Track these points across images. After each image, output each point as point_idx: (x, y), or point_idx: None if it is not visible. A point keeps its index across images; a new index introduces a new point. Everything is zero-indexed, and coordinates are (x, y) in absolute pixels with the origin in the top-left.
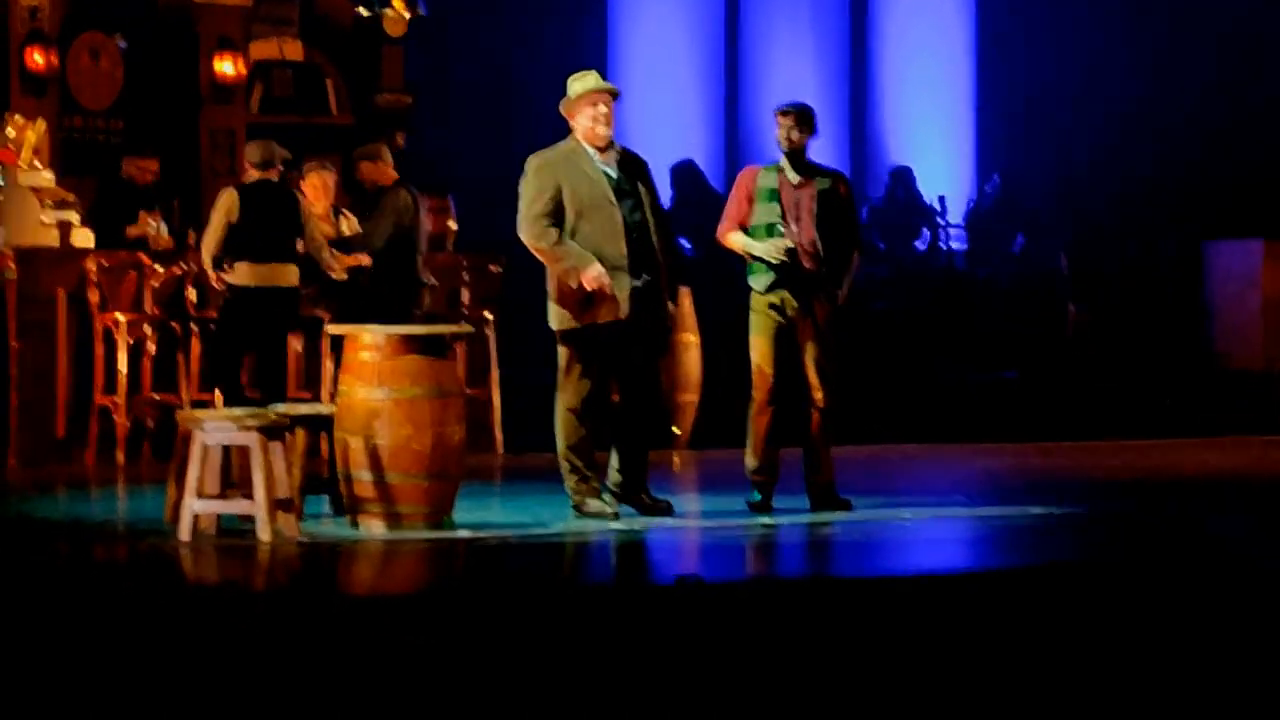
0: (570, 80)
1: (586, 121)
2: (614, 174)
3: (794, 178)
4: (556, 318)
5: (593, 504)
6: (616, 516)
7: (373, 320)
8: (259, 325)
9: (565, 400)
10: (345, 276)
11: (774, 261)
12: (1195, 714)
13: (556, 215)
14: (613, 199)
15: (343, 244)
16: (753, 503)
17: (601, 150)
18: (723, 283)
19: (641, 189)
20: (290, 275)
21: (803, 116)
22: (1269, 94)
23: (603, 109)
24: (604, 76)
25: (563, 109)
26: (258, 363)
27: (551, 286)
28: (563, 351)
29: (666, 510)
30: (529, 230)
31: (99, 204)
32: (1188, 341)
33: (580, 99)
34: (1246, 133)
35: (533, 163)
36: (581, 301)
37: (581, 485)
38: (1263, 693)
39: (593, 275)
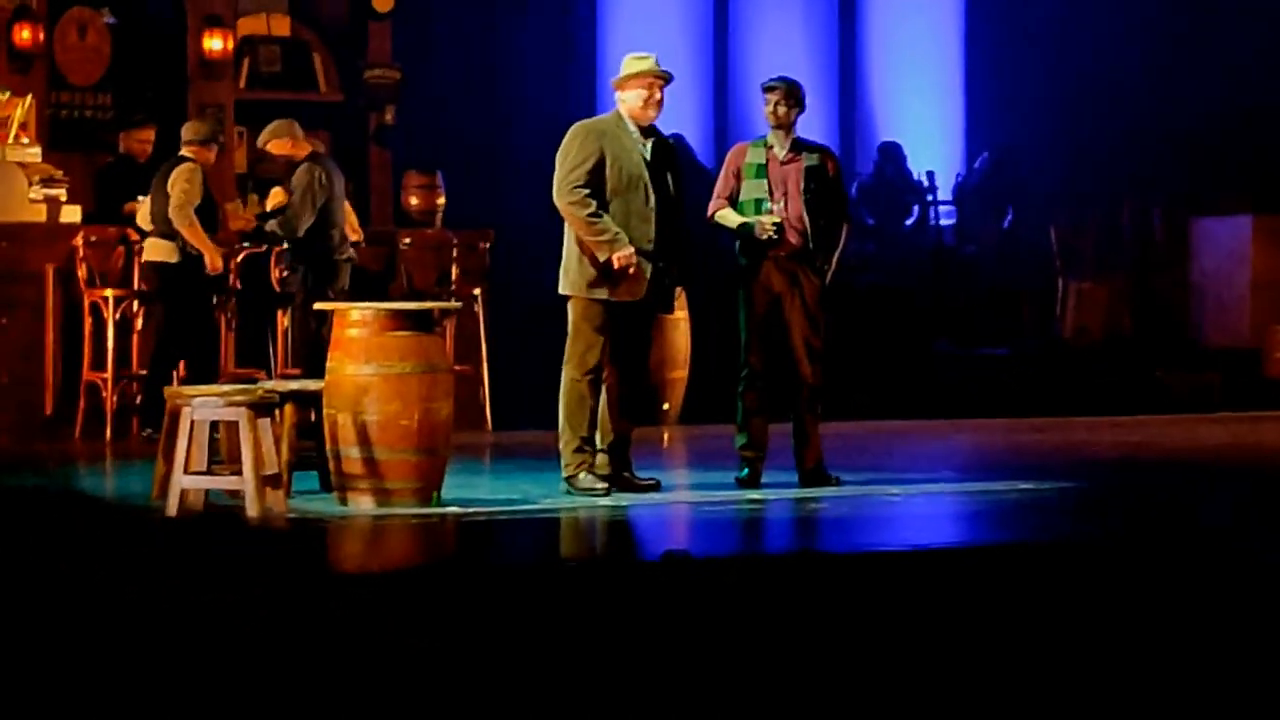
0: (629, 58)
1: (638, 101)
2: (649, 156)
3: (781, 153)
4: (573, 284)
5: (585, 478)
6: (608, 493)
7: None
8: (207, 296)
9: (573, 368)
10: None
11: (761, 238)
12: (1184, 690)
13: (595, 185)
14: (648, 180)
15: (265, 217)
16: (741, 479)
17: (643, 131)
18: (711, 259)
19: (670, 175)
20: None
21: (789, 92)
22: (1257, 68)
23: (657, 93)
24: (593, 52)
25: (614, 82)
26: (207, 335)
27: (573, 253)
28: (575, 319)
29: (654, 488)
30: (568, 195)
31: (102, 180)
32: (1176, 318)
33: (637, 77)
34: (1236, 109)
35: (579, 129)
36: (603, 274)
37: (577, 456)
38: (1250, 669)
39: (625, 254)
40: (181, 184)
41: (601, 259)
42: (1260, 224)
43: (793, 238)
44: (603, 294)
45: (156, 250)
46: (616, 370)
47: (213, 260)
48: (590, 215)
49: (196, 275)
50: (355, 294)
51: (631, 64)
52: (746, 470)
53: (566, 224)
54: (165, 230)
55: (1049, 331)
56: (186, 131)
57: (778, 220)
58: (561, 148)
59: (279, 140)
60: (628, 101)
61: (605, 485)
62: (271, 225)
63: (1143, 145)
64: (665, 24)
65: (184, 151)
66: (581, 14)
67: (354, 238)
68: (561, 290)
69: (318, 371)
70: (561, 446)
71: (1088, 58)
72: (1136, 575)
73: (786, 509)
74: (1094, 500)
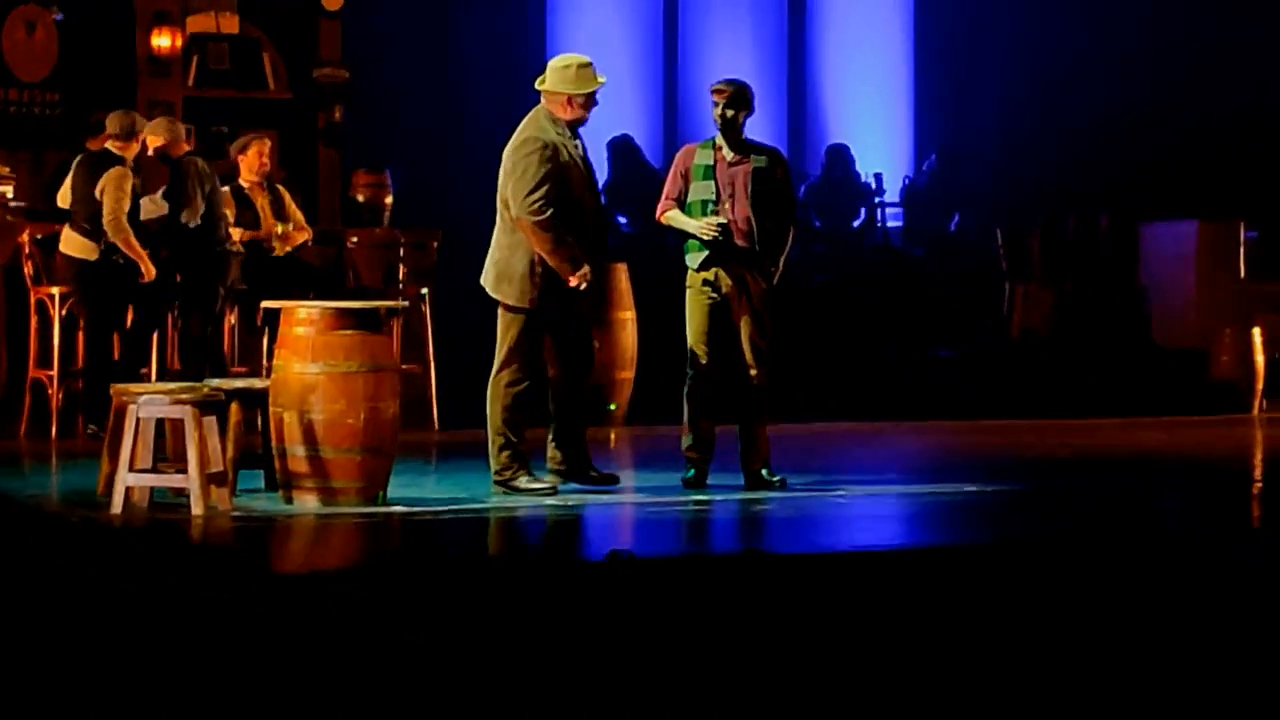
0: (582, 69)
1: (582, 111)
2: (582, 158)
3: (730, 155)
4: (517, 295)
5: (524, 480)
6: (555, 492)
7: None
8: (127, 295)
9: (510, 375)
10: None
11: (706, 238)
12: (1126, 690)
13: (552, 198)
14: (589, 186)
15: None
16: (687, 479)
17: (571, 129)
18: (659, 259)
19: (592, 170)
20: None
21: (736, 95)
22: (1204, 75)
23: (595, 98)
24: (542, 52)
25: (554, 86)
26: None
27: (518, 264)
28: (513, 327)
29: (613, 481)
30: (537, 212)
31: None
32: (1124, 321)
33: (590, 94)
34: (1181, 114)
35: (533, 143)
36: (548, 287)
37: (514, 461)
38: (1198, 667)
39: (585, 272)
40: (113, 191)
41: (563, 276)
42: (1205, 229)
43: (739, 239)
44: (547, 305)
45: (76, 246)
46: (561, 368)
47: (148, 270)
48: (559, 237)
49: (117, 275)
50: (302, 292)
51: (582, 72)
52: (692, 471)
53: (508, 232)
54: (88, 229)
55: (996, 334)
56: (111, 124)
57: (723, 221)
58: (516, 162)
59: (153, 136)
60: (570, 109)
61: (550, 484)
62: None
63: (1090, 149)
64: (614, 24)
65: (109, 146)
66: (531, 14)
67: (302, 236)
68: (501, 298)
69: (200, 371)
70: (493, 449)
71: (1035, 62)
72: (1081, 577)
73: (733, 510)
74: (1039, 502)
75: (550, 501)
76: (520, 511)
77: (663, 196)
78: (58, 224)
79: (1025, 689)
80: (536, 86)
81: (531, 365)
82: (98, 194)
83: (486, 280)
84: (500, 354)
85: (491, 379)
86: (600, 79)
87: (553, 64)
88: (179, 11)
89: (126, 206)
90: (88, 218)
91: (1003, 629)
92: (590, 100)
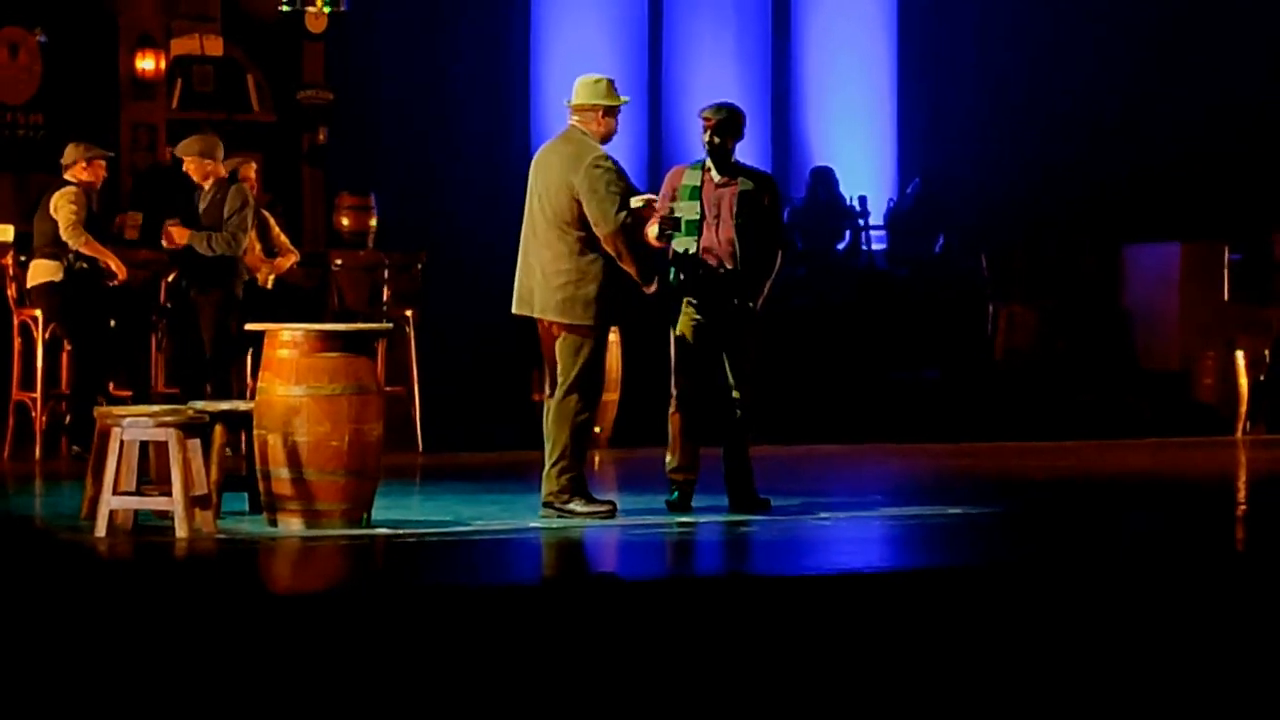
0: (608, 85)
1: (613, 130)
2: None
3: (717, 177)
4: (593, 314)
5: (580, 505)
6: (614, 513)
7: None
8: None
9: (581, 398)
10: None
11: (650, 233)
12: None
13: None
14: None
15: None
16: (671, 501)
17: None
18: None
19: None
20: None
21: (723, 123)
22: (1188, 98)
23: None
24: (527, 75)
25: (589, 99)
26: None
27: (591, 282)
28: (585, 347)
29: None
30: (623, 229)
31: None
32: (1107, 343)
33: (613, 106)
34: (1164, 137)
35: (605, 159)
36: (616, 299)
37: (572, 484)
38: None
39: (655, 282)
40: (65, 206)
41: (646, 287)
42: (1188, 251)
43: (725, 262)
44: (614, 321)
45: (42, 272)
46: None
47: (119, 268)
48: (642, 247)
49: (86, 285)
50: (287, 314)
51: (614, 93)
52: (676, 493)
53: (571, 255)
54: (50, 251)
55: (980, 355)
56: (65, 156)
57: (677, 217)
58: (593, 182)
59: (194, 159)
60: (604, 129)
61: (610, 505)
62: (212, 245)
63: (1073, 171)
64: (599, 47)
65: (65, 176)
66: (515, 37)
67: (290, 259)
68: (572, 320)
69: (198, 391)
70: (552, 472)
71: (1019, 84)
72: (1064, 599)
73: (717, 532)
74: (1023, 524)
75: (533, 524)
76: (505, 535)
77: (653, 216)
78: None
79: (1009, 710)
80: (567, 105)
81: (599, 386)
82: (52, 212)
83: (546, 307)
84: (568, 378)
85: (558, 402)
86: (625, 98)
87: (581, 81)
88: (163, 34)
89: (82, 216)
90: (49, 241)
91: (987, 651)
92: (616, 113)
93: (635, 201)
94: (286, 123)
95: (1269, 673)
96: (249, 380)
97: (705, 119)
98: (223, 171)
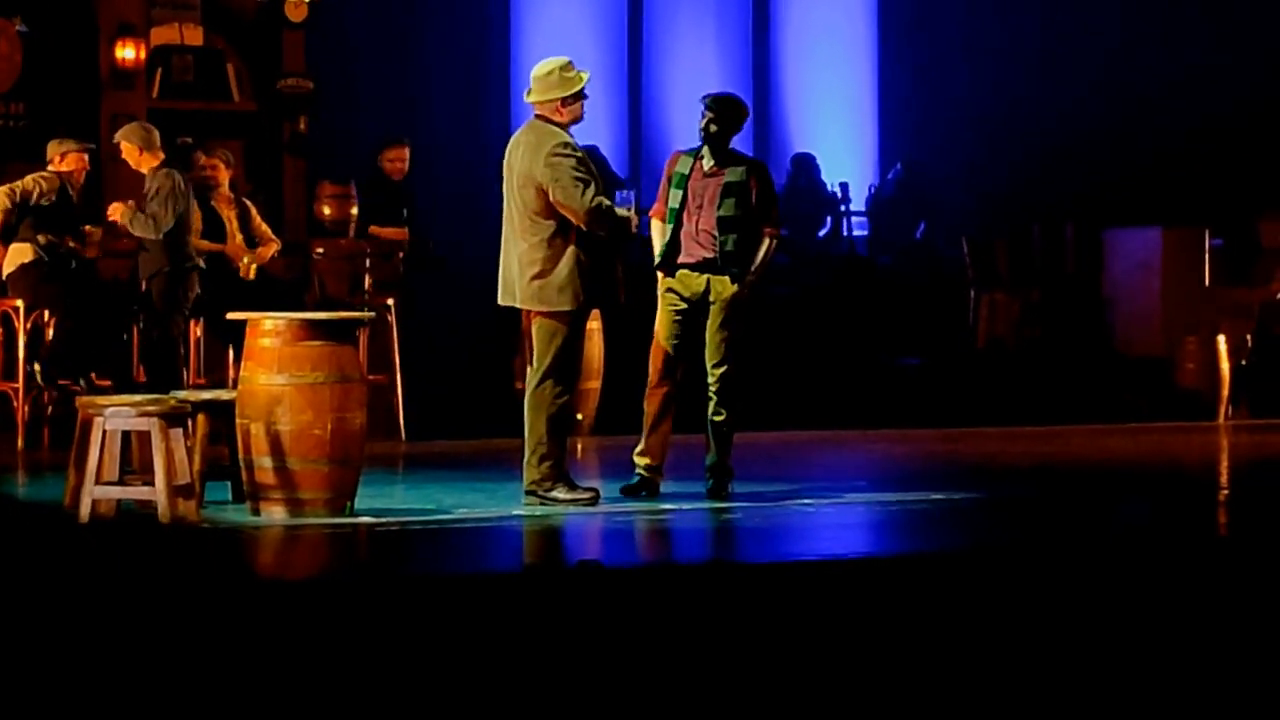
0: (567, 69)
1: (579, 112)
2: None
3: (708, 165)
4: (567, 298)
5: (563, 492)
6: (596, 500)
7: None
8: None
9: (556, 384)
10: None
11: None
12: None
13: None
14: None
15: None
16: (627, 487)
17: None
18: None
19: None
20: None
21: (724, 112)
22: (1167, 82)
23: (584, 93)
24: (506, 63)
25: (544, 95)
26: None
27: (564, 267)
28: (559, 333)
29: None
30: (595, 205)
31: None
32: (1089, 329)
33: (578, 92)
34: (1145, 121)
35: (565, 145)
36: (591, 279)
37: (554, 471)
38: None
39: (632, 213)
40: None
41: (629, 227)
42: (1170, 236)
43: (704, 250)
44: (591, 303)
45: (17, 255)
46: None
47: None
48: (609, 210)
49: (59, 264)
50: (267, 303)
51: (570, 79)
52: (636, 478)
53: (541, 244)
54: (23, 237)
55: (962, 342)
56: (46, 153)
57: (634, 218)
58: (556, 170)
59: (130, 145)
60: (571, 113)
61: (592, 493)
62: (132, 225)
63: (1054, 157)
64: (579, 36)
65: (49, 169)
66: (495, 25)
67: (272, 249)
68: (547, 307)
69: (163, 382)
70: (532, 459)
71: (1000, 70)
72: (1047, 585)
73: (699, 519)
74: (1005, 510)
75: (517, 512)
76: (487, 522)
77: (656, 201)
78: None
79: (993, 696)
80: (526, 100)
81: (575, 372)
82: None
83: (521, 296)
84: (543, 364)
85: (533, 389)
86: (583, 74)
87: (534, 74)
88: (143, 23)
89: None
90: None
91: (970, 637)
92: (580, 97)
93: (621, 212)
94: (267, 112)
95: (1252, 657)
96: (230, 369)
97: (706, 105)
98: (156, 161)
